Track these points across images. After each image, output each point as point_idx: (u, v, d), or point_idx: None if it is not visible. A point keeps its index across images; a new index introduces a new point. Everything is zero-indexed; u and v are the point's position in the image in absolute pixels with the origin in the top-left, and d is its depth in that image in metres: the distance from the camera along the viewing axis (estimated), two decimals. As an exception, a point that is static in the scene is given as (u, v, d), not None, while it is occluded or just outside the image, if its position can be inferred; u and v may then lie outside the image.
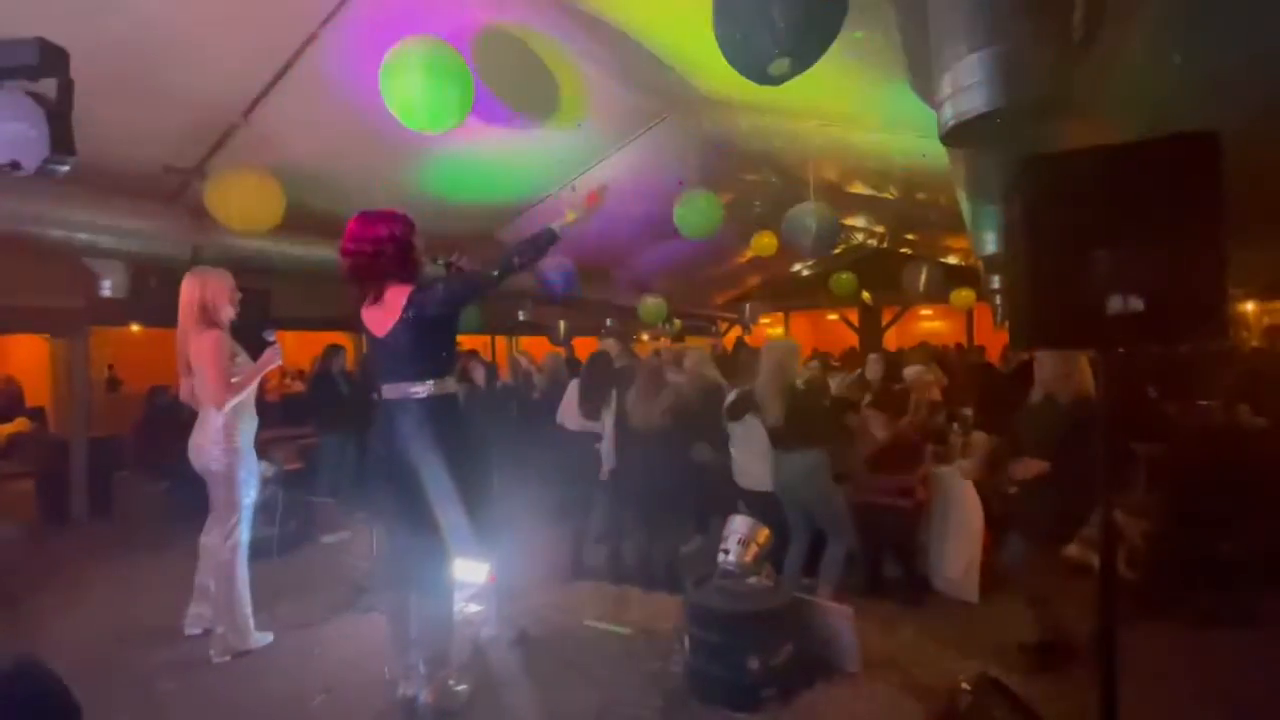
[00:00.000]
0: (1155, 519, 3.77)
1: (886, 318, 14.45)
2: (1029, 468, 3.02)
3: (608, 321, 10.20)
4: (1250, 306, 8.73)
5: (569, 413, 4.58)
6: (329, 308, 5.87)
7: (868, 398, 4.45)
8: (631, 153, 5.93)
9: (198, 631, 3.26)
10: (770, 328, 15.68)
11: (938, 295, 10.12)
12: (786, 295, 14.21)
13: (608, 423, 4.23)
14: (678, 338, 12.29)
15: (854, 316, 14.73)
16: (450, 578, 2.62)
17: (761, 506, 3.57)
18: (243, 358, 3.20)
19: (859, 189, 6.65)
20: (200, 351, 3.06)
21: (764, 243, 7.40)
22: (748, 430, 3.84)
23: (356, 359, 7.62)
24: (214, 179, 4.25)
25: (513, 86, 4.38)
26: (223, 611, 3.11)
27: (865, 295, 12.16)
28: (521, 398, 6.22)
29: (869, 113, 4.32)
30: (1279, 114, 2.45)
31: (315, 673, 2.96)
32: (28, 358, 7.89)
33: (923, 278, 9.03)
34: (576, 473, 4.43)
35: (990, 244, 4.42)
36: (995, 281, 6.03)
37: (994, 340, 10.18)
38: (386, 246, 2.43)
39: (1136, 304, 1.61)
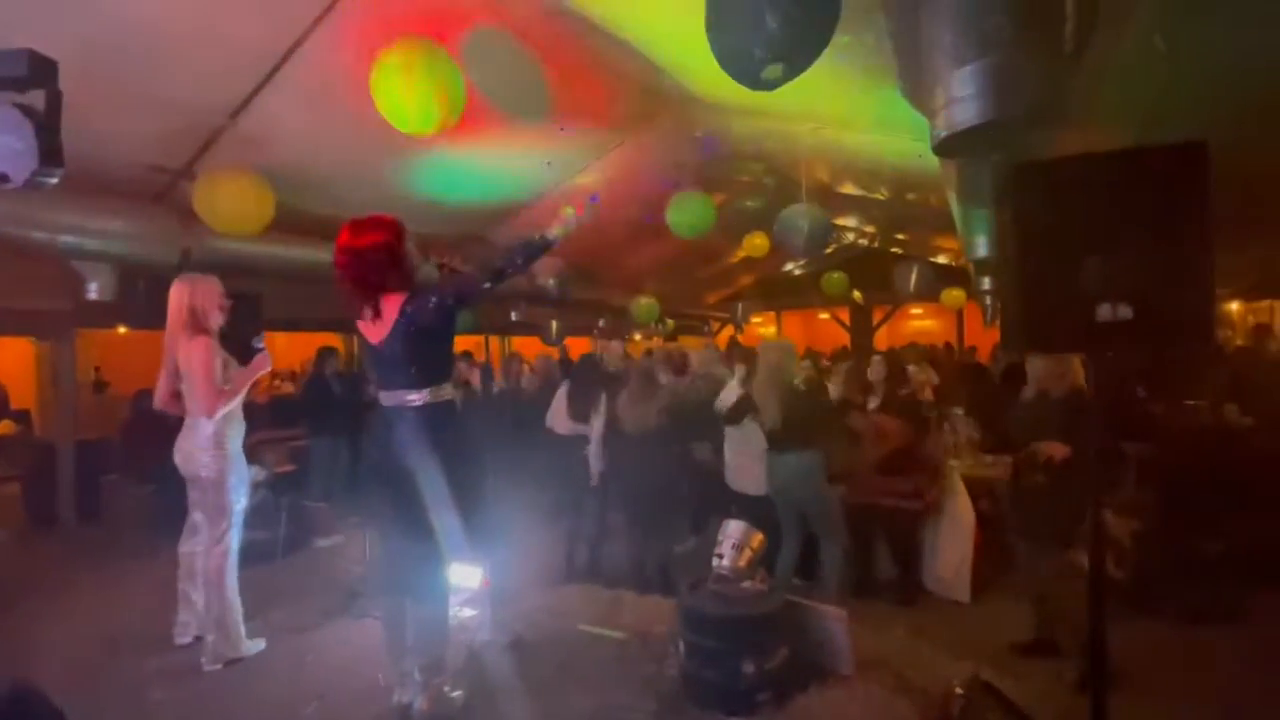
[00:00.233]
0: (1144, 517, 3.81)
1: (877, 317, 14.54)
2: (1055, 449, 3.05)
3: (600, 321, 10.19)
4: (1236, 306, 8.82)
5: (558, 417, 4.55)
6: (319, 309, 5.83)
7: (873, 400, 4.47)
8: (624, 154, 5.92)
9: (188, 640, 3.22)
10: (762, 327, 15.71)
11: (928, 294, 10.18)
12: (778, 294, 14.25)
13: (596, 426, 4.21)
14: (670, 337, 12.31)
15: (845, 315, 14.81)
16: (445, 583, 2.60)
17: (754, 510, 3.57)
18: (232, 365, 3.16)
19: (850, 189, 6.68)
20: (190, 359, 3.03)
21: (756, 243, 7.42)
22: (744, 432, 3.84)
23: (349, 360, 7.58)
24: (202, 181, 4.21)
25: (503, 88, 4.36)
26: (214, 618, 3.07)
27: (856, 294, 12.23)
28: (515, 400, 6.21)
29: (860, 115, 4.34)
30: (1266, 120, 2.48)
31: (308, 679, 2.92)
32: (13, 360, 7.79)
33: (913, 277, 9.06)
34: (568, 476, 4.42)
35: (981, 247, 4.45)
36: (985, 282, 6.08)
37: (984, 339, 10.25)
38: (378, 255, 2.40)
39: (1126, 312, 1.63)
